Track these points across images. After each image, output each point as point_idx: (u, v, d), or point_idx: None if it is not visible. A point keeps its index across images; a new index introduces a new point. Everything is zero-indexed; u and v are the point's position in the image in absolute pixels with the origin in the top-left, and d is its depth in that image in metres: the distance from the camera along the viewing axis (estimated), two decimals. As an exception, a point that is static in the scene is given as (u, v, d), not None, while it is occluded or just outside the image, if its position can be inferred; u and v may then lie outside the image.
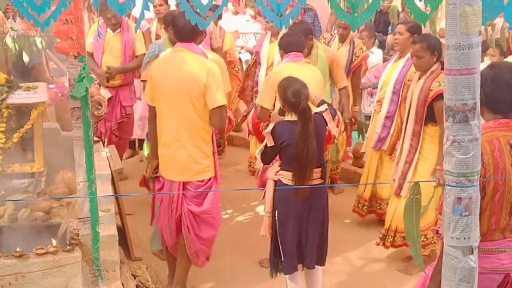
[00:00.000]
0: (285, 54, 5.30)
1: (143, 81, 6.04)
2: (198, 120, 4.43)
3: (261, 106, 5.17)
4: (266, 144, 4.26)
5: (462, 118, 2.11)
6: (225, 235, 5.87)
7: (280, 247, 4.40)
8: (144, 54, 6.62)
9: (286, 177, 4.26)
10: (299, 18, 8.04)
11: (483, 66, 7.84)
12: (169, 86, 4.43)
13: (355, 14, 2.32)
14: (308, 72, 5.15)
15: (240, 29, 9.96)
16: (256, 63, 7.08)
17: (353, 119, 6.72)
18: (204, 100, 4.39)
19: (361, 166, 6.96)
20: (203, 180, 4.55)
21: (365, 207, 6.10)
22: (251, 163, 7.47)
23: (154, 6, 7.66)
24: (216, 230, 4.75)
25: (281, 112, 4.33)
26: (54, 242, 4.02)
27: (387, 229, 5.35)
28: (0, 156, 4.71)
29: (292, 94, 4.15)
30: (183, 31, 4.45)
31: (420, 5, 2.52)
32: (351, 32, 6.89)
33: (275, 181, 4.35)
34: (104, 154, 5.36)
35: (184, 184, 4.54)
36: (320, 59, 6.02)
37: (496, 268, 3.07)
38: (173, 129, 4.46)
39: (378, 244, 5.46)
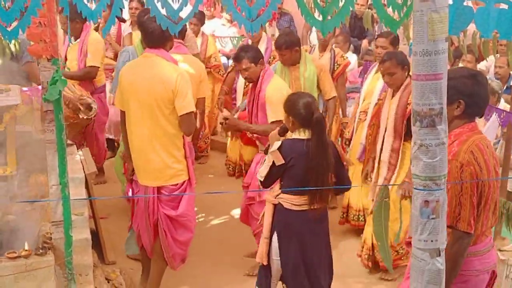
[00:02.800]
0: (264, 67, 5.10)
1: None
2: (168, 126, 4.43)
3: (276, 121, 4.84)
4: (271, 164, 4.00)
5: (429, 122, 2.15)
6: (200, 239, 5.88)
7: (282, 275, 4.22)
8: (93, 66, 6.68)
9: (288, 201, 4.08)
10: (274, 22, 8.12)
11: (455, 71, 7.86)
12: (138, 92, 4.43)
13: (325, 20, 2.35)
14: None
15: (217, 33, 9.97)
16: (235, 69, 7.04)
17: (342, 131, 6.56)
18: (173, 106, 4.39)
19: None
20: (177, 184, 4.55)
21: (361, 217, 5.91)
22: (229, 166, 7.48)
23: (130, 9, 7.68)
24: (192, 233, 4.77)
25: (282, 133, 4.18)
26: (26, 246, 3.99)
27: (370, 248, 5.25)
28: (-28, 159, 4.67)
29: (304, 106, 3.97)
30: (152, 36, 4.45)
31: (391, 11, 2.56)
32: (332, 40, 6.85)
33: (275, 205, 4.15)
34: (78, 158, 5.34)
35: (159, 188, 4.54)
36: (309, 69, 5.95)
37: (486, 268, 3.15)
38: (143, 134, 4.46)
39: (359, 256, 5.39)
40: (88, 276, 4.42)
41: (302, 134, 3.99)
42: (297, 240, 4.08)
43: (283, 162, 3.95)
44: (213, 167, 8.09)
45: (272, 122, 4.91)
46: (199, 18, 7.88)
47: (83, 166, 5.24)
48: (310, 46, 6.97)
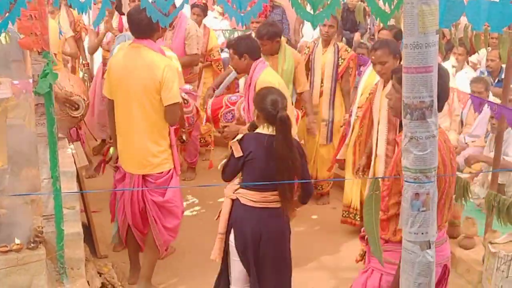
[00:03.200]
0: (253, 61, 4.95)
1: None
2: (154, 115, 4.48)
3: None
4: (230, 156, 3.97)
5: (419, 115, 2.15)
6: (192, 232, 5.88)
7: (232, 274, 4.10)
8: None
9: (246, 197, 3.96)
10: (267, 15, 8.06)
11: (447, 64, 7.99)
12: (125, 81, 4.48)
13: (316, 13, 2.35)
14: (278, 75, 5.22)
15: (209, 26, 9.94)
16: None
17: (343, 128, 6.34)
18: (159, 96, 4.43)
19: None
20: (162, 172, 4.62)
21: (357, 216, 5.88)
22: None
23: (133, 1, 7.62)
24: (179, 219, 4.83)
25: (252, 128, 4.08)
26: (17, 239, 3.98)
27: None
28: (-37, 153, 4.64)
29: (271, 103, 3.87)
30: (138, 27, 4.47)
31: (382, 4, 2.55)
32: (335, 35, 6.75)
33: (233, 200, 4.04)
34: (69, 151, 5.33)
35: (144, 176, 4.61)
36: (288, 60, 5.95)
37: (438, 261, 3.15)
38: (129, 123, 4.52)
39: (357, 261, 5.37)
40: (80, 270, 4.41)
41: (265, 130, 3.91)
42: (252, 240, 3.96)
43: (242, 154, 3.88)
44: (204, 159, 8.07)
45: None
46: (202, 9, 7.74)
47: (74, 160, 5.24)
48: (314, 42, 6.83)
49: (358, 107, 5.82)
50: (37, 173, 4.36)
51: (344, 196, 6.03)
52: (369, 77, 5.79)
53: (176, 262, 5.26)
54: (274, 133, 3.87)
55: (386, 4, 2.34)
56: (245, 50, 4.94)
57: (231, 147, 3.96)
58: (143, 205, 4.69)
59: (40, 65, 3.90)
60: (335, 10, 2.32)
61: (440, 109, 3.14)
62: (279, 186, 3.84)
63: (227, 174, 4.06)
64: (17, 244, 3.95)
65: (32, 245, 3.99)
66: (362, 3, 6.43)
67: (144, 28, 4.44)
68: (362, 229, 3.46)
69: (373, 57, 4.98)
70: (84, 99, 5.93)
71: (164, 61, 4.50)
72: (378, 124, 5.03)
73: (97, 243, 5.44)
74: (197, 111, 5.78)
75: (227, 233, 4.06)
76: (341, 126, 6.39)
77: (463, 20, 2.67)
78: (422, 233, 2.25)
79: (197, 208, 6.63)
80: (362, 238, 3.43)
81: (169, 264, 5.20)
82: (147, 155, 4.53)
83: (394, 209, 3.08)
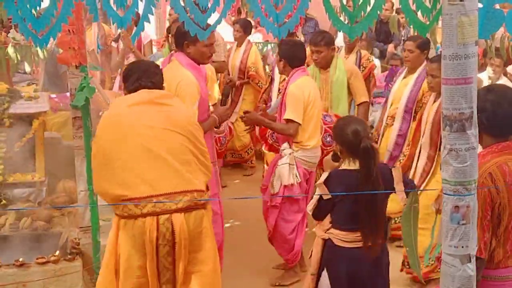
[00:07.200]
0: (291, 68, 4.92)
1: None
2: None
3: (290, 120, 4.74)
4: (319, 197, 3.63)
5: (459, 127, 2.13)
6: (227, 244, 5.87)
7: None
8: None
9: (337, 237, 3.64)
10: (299, 28, 8.07)
11: (484, 75, 7.83)
12: None
13: (353, 25, 2.34)
14: (316, 86, 5.17)
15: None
16: (271, 79, 6.92)
17: None
18: None
19: None
20: None
21: None
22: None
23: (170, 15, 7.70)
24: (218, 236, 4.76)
25: (335, 158, 3.77)
26: (55, 251, 4.04)
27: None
28: (2, 165, 4.73)
29: (352, 134, 3.55)
30: (174, 39, 4.58)
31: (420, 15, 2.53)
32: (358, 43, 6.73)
33: (325, 240, 3.73)
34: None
35: None
36: (338, 73, 5.84)
37: None
38: None
39: (401, 271, 5.09)
40: (116, 282, 4.44)
41: (352, 165, 3.57)
42: (348, 281, 3.65)
43: (330, 197, 3.56)
44: (239, 172, 8.08)
45: (286, 121, 4.80)
46: (242, 25, 7.60)
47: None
48: (337, 47, 6.84)
49: (388, 116, 5.76)
50: (74, 185, 4.42)
51: None
52: (400, 86, 5.71)
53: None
54: None
55: (425, 15, 2.33)
56: (284, 55, 4.96)
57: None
58: None
59: (77, 79, 3.96)
60: (372, 22, 2.31)
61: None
62: (363, 227, 3.56)
63: (318, 216, 3.74)
64: (54, 256, 4.00)
65: (69, 256, 4.03)
66: (396, 14, 6.41)
67: (176, 40, 4.52)
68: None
69: (427, 68, 4.89)
70: None
71: (181, 75, 4.42)
72: (423, 137, 4.91)
73: (132, 254, 5.46)
74: (230, 131, 5.75)
75: (318, 274, 3.78)
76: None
77: (499, 30, 2.63)
78: (463, 247, 2.21)
79: (230, 220, 6.63)
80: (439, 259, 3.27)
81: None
82: None
83: None
